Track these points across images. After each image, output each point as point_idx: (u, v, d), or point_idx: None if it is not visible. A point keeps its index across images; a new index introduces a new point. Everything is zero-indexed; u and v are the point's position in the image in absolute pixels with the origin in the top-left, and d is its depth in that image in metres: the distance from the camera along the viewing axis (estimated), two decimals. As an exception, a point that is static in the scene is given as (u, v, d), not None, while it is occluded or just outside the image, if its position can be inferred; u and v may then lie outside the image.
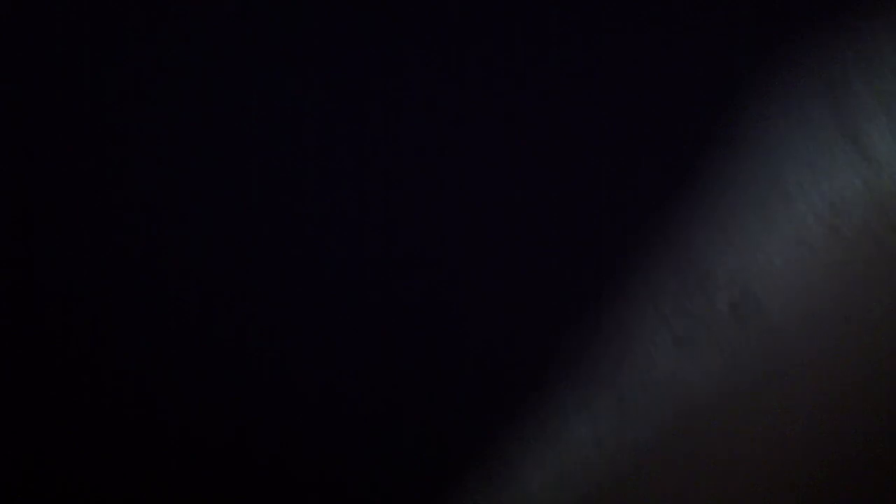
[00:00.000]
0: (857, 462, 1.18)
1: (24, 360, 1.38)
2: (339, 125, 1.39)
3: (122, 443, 1.36)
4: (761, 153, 1.32)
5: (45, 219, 1.39)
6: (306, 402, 1.36)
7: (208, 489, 1.35)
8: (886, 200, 1.25)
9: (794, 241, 1.28)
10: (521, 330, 1.34)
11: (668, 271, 1.31)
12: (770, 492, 1.19)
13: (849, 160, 1.28)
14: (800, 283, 1.26)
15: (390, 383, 1.35)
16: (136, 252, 1.38)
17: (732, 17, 1.35)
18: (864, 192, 1.26)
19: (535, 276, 1.35)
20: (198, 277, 1.38)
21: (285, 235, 1.38)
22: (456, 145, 1.38)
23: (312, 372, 1.36)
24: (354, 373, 1.35)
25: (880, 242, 1.24)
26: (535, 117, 1.37)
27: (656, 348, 1.29)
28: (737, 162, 1.33)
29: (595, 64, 1.37)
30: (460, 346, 1.34)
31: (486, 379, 1.34)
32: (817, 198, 1.28)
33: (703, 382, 1.26)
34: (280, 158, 1.39)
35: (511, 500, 1.29)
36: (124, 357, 1.37)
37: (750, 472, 1.21)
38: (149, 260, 1.38)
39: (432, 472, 1.32)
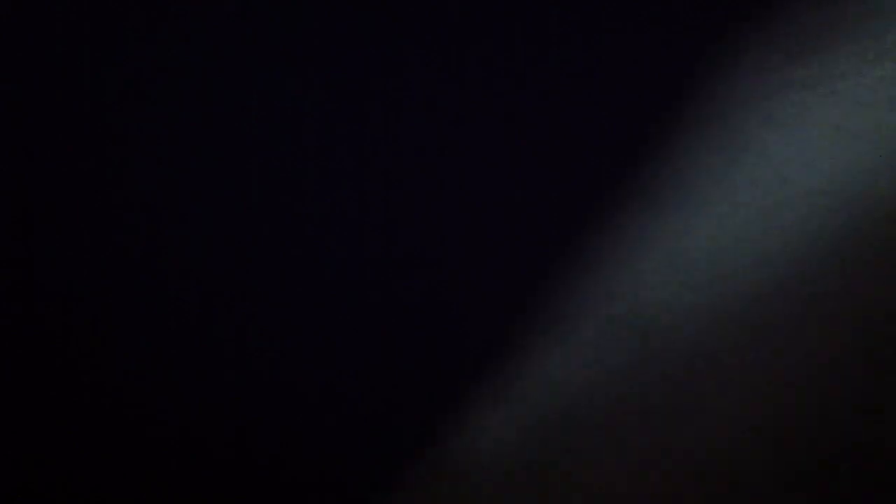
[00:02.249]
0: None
1: (24, 360, 1.38)
2: (339, 125, 1.39)
3: (122, 443, 1.36)
4: (762, 152, 1.32)
5: (45, 219, 1.39)
6: (306, 402, 1.36)
7: (208, 489, 1.35)
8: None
9: (795, 240, 1.28)
10: (521, 330, 1.34)
11: (668, 271, 1.31)
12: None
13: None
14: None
15: (390, 383, 1.35)
16: (136, 252, 1.38)
17: (732, 17, 1.35)
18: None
19: (535, 276, 1.35)
20: (198, 277, 1.38)
21: (285, 235, 1.38)
22: (456, 145, 1.38)
23: (312, 372, 1.36)
24: (354, 373, 1.35)
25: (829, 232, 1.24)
26: (535, 117, 1.37)
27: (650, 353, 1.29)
28: (738, 162, 1.33)
29: (595, 64, 1.37)
30: (460, 346, 1.35)
31: (486, 379, 1.34)
32: (819, 198, 1.29)
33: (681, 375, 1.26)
34: (280, 158, 1.39)
35: (513, 499, 1.30)
36: (124, 357, 1.37)
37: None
38: (149, 260, 1.38)
39: (432, 472, 1.32)
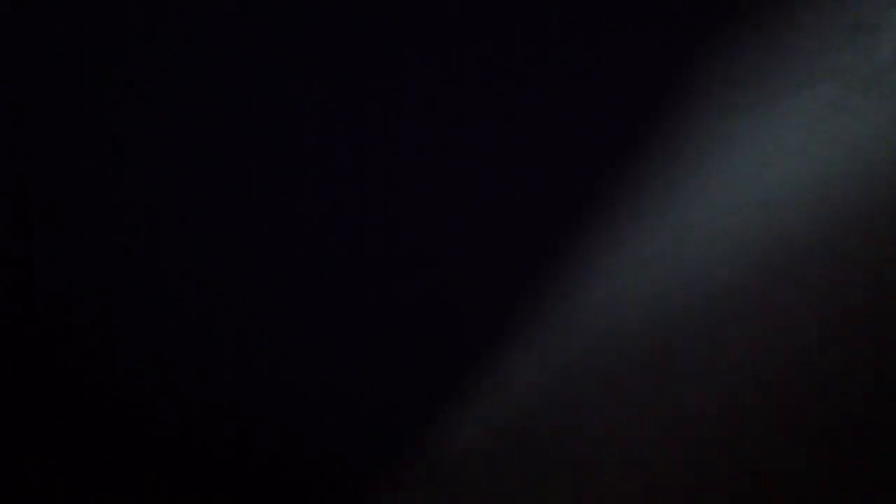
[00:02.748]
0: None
1: (24, 360, 1.38)
2: (339, 125, 1.39)
3: (122, 443, 1.36)
4: (763, 152, 1.33)
5: (45, 219, 1.39)
6: (306, 402, 1.36)
7: (208, 489, 1.35)
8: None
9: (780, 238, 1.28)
10: (522, 330, 1.34)
11: (635, 277, 1.31)
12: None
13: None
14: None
15: (390, 383, 1.35)
16: (136, 252, 1.38)
17: (733, 17, 1.35)
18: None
19: (536, 276, 1.35)
20: (198, 277, 1.38)
21: (285, 235, 1.38)
22: (456, 145, 1.38)
23: (312, 372, 1.36)
24: (354, 373, 1.35)
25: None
26: (535, 117, 1.37)
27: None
28: (738, 162, 1.33)
29: (595, 64, 1.37)
30: (460, 346, 1.35)
31: (487, 379, 1.34)
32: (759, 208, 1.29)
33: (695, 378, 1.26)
34: (280, 158, 1.39)
35: (511, 493, 1.30)
36: (124, 357, 1.37)
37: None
38: (149, 260, 1.38)
39: (432, 471, 1.32)
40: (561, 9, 1.38)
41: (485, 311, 1.35)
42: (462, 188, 1.37)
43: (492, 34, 1.38)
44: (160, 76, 1.40)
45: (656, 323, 1.30)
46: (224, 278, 1.38)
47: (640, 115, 1.36)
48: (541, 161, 1.36)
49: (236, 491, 1.34)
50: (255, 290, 1.38)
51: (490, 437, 1.30)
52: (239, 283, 1.38)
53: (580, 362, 1.31)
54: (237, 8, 1.41)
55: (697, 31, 1.36)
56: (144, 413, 1.36)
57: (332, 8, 1.40)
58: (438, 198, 1.37)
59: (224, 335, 1.37)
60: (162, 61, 1.40)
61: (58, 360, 1.38)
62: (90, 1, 1.41)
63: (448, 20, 1.39)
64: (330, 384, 1.36)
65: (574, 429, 1.29)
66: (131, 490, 1.35)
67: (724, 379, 1.23)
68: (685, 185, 1.33)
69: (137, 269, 1.38)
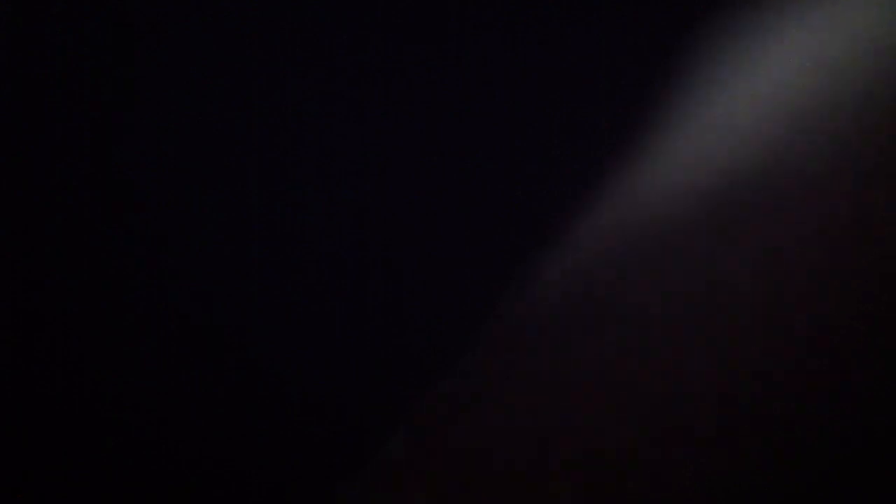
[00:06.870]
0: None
1: (23, 360, 1.38)
2: (339, 125, 1.39)
3: (121, 443, 1.37)
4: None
5: (45, 219, 1.39)
6: (306, 402, 1.36)
7: (207, 490, 1.35)
8: None
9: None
10: (523, 330, 1.34)
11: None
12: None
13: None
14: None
15: (390, 383, 1.35)
16: (136, 252, 1.39)
17: (736, 17, 1.35)
18: None
19: (536, 276, 1.35)
20: (198, 277, 1.38)
21: (285, 235, 1.38)
22: (456, 145, 1.38)
23: (312, 372, 1.36)
24: (354, 373, 1.36)
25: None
26: (535, 117, 1.37)
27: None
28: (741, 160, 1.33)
29: (595, 64, 1.37)
30: (461, 346, 1.35)
31: (488, 379, 1.34)
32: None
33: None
34: (280, 158, 1.39)
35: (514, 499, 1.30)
36: (124, 357, 1.38)
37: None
38: (149, 260, 1.38)
39: (433, 473, 1.32)
40: (561, 9, 1.38)
41: (485, 312, 1.35)
42: (462, 188, 1.37)
43: (492, 34, 1.39)
44: (160, 76, 1.40)
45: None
46: (224, 278, 1.38)
47: (640, 115, 1.36)
48: (541, 161, 1.37)
49: (236, 492, 1.35)
50: (255, 290, 1.38)
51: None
52: (239, 283, 1.38)
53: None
54: (237, 8, 1.41)
55: (699, 30, 1.36)
56: (141, 413, 1.37)
57: (332, 8, 1.40)
58: (438, 198, 1.38)
59: (224, 335, 1.37)
60: (162, 61, 1.41)
61: (56, 360, 1.38)
62: (90, 1, 1.41)
63: (448, 20, 1.39)
64: (330, 384, 1.36)
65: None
66: (130, 490, 1.36)
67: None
68: (689, 185, 1.33)
69: (137, 269, 1.39)
